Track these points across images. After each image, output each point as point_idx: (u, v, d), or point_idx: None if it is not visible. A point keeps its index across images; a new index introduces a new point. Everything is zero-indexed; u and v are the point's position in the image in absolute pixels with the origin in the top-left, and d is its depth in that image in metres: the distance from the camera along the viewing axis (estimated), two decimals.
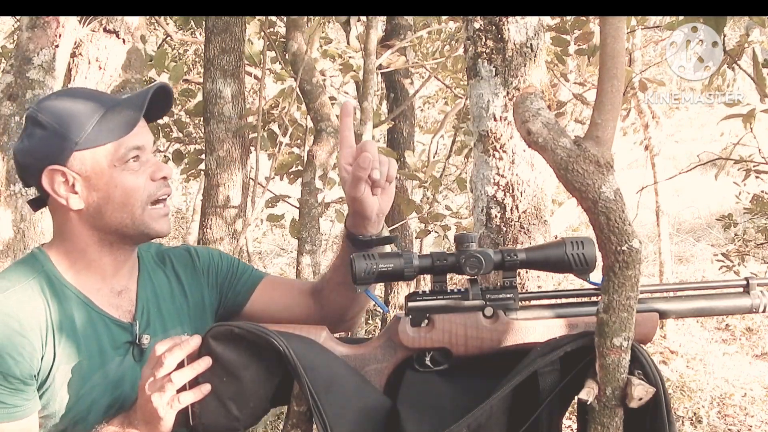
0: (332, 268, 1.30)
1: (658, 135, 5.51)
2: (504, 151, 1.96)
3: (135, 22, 2.96)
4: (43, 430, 1.15)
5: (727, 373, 5.12)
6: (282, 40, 4.05)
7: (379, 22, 4.38)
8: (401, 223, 4.73)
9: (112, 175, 1.15)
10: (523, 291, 1.75)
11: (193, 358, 1.07)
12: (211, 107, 3.57)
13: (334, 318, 1.30)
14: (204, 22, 3.71)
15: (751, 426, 4.38)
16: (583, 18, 3.30)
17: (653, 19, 3.99)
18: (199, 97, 4.18)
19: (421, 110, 7.68)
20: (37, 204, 1.22)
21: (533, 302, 1.13)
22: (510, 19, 1.91)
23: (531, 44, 1.94)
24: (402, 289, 5.27)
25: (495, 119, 1.95)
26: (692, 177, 5.77)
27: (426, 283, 5.06)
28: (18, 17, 3.62)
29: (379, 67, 4.08)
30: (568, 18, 3.40)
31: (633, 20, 3.83)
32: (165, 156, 4.89)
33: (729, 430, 4.36)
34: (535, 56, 1.95)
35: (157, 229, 1.20)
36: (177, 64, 4.13)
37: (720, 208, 8.07)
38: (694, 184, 9.12)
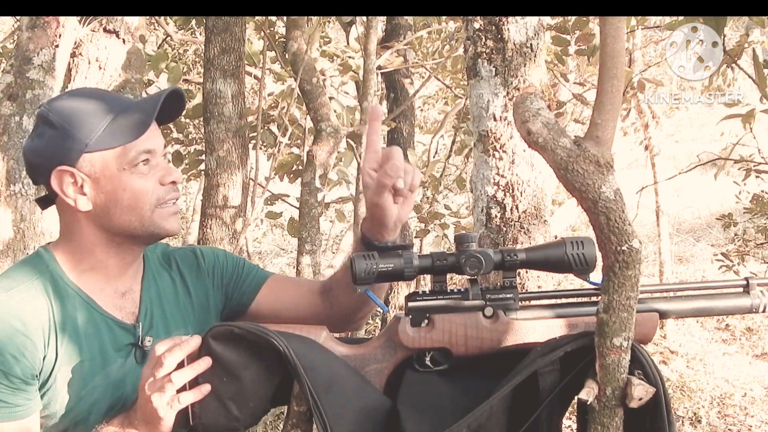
0: (343, 269, 1.30)
1: (658, 135, 5.51)
2: (504, 151, 1.96)
3: (135, 22, 2.96)
4: (43, 431, 1.15)
5: (727, 373, 5.12)
6: (282, 40, 4.05)
7: (379, 23, 4.37)
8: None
9: (121, 178, 1.15)
10: (523, 291, 1.75)
11: (193, 358, 1.07)
12: (211, 107, 3.57)
13: (341, 319, 1.30)
14: (204, 22, 3.71)
15: (751, 426, 4.38)
16: (583, 18, 3.30)
17: (653, 19, 3.99)
18: (199, 98, 4.18)
19: (421, 110, 7.68)
20: (44, 202, 1.22)
21: (533, 302, 1.13)
22: (510, 19, 1.91)
23: (531, 44, 1.94)
24: (402, 289, 5.27)
25: (495, 119, 1.95)
26: (692, 177, 5.78)
27: (426, 283, 5.06)
28: (18, 17, 3.62)
29: (379, 67, 4.08)
30: (568, 18, 3.40)
31: (633, 20, 3.83)
32: (165, 157, 4.88)
33: (729, 430, 4.36)
34: (535, 56, 1.95)
35: (167, 228, 1.20)
36: (176, 64, 4.13)
37: (720, 208, 8.06)
38: (694, 184, 9.12)
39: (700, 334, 5.86)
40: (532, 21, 1.94)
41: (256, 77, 4.60)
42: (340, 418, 1.03)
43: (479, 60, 1.96)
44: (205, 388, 1.07)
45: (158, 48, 5.23)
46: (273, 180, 3.83)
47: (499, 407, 1.02)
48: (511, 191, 1.96)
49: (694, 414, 4.50)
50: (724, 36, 2.17)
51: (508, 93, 1.94)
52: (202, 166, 3.90)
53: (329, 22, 5.08)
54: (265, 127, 3.89)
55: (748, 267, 4.81)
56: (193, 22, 4.69)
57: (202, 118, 3.73)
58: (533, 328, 1.08)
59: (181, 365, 1.06)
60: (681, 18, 2.23)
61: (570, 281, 5.76)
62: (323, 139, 3.49)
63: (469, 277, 1.09)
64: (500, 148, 1.96)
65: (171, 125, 4.52)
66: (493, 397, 1.00)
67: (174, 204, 1.21)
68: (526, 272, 1.97)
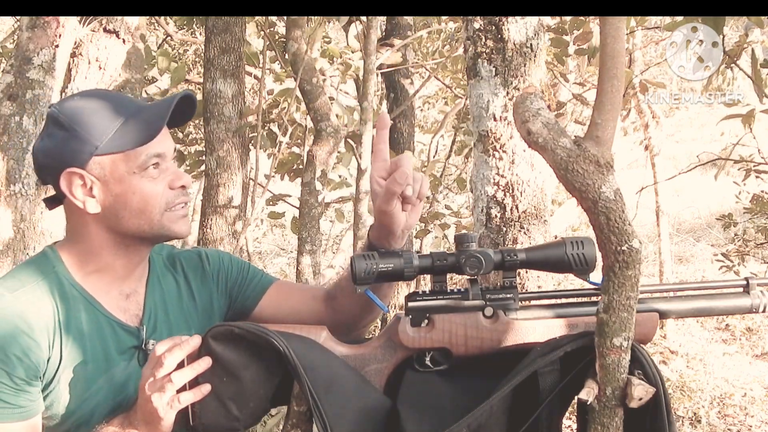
0: (346, 275, 1.29)
1: (658, 135, 5.51)
2: (504, 151, 1.96)
3: (135, 22, 2.96)
4: None
5: (727, 373, 5.12)
6: (282, 40, 4.05)
7: (379, 22, 4.38)
8: None
9: (131, 182, 1.14)
10: (523, 291, 1.75)
11: (193, 358, 1.07)
12: (211, 107, 3.57)
13: (345, 325, 1.29)
14: (204, 22, 3.71)
15: (751, 426, 4.38)
16: (583, 18, 3.30)
17: (653, 20, 3.99)
18: (199, 98, 4.17)
19: (421, 110, 7.68)
20: (52, 202, 1.22)
21: (533, 302, 1.13)
22: (510, 19, 1.92)
23: (531, 44, 1.94)
24: (402, 289, 5.27)
25: (495, 119, 1.96)
26: (692, 177, 5.78)
27: (426, 283, 5.06)
28: (18, 17, 3.62)
29: (379, 67, 4.08)
30: (568, 18, 3.40)
31: (632, 21, 3.83)
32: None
33: (729, 430, 4.36)
34: (535, 56, 1.95)
35: (177, 231, 1.20)
36: (178, 65, 4.13)
37: (720, 208, 8.06)
38: (694, 184, 9.11)
39: (700, 334, 5.86)
40: (532, 21, 1.94)
41: (256, 77, 4.61)
42: (340, 418, 1.03)
43: (479, 60, 1.96)
44: (205, 388, 1.07)
45: (158, 48, 5.23)
46: (273, 179, 3.83)
47: (499, 407, 1.02)
48: (511, 191, 1.96)
49: (694, 414, 4.50)
50: (724, 36, 2.17)
51: (508, 93, 1.94)
52: (202, 166, 3.90)
53: (329, 22, 5.08)
54: (266, 127, 3.89)
55: (748, 267, 4.81)
56: (195, 22, 4.69)
57: (202, 118, 3.73)
58: (533, 328, 1.08)
59: (181, 365, 1.06)
60: (681, 18, 2.23)
61: (570, 281, 5.76)
62: (323, 139, 3.49)
63: (469, 277, 1.09)
64: (500, 148, 1.96)
65: None
66: (493, 397, 1.00)
67: (183, 207, 1.21)
68: (526, 272, 1.98)
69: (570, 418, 2.82)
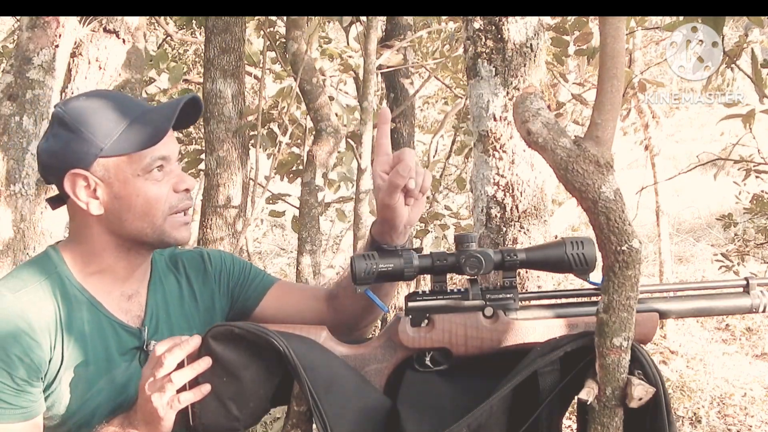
0: (347, 276, 1.29)
1: (658, 135, 5.51)
2: (504, 151, 1.96)
3: (135, 22, 2.96)
4: None
5: (727, 373, 5.12)
6: (282, 40, 4.05)
7: (379, 22, 4.38)
8: None
9: (135, 184, 1.14)
10: (523, 291, 1.75)
11: (193, 358, 1.07)
12: (211, 107, 3.57)
13: (346, 325, 1.29)
14: (204, 22, 3.71)
15: (751, 426, 4.38)
16: (583, 18, 3.30)
17: (653, 20, 3.99)
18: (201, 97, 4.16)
19: (421, 110, 7.68)
20: (55, 202, 1.22)
21: (533, 302, 1.13)
22: (510, 19, 1.91)
23: (531, 44, 1.94)
24: (402, 289, 5.27)
25: (495, 119, 1.95)
26: (692, 177, 5.78)
27: (426, 283, 5.06)
28: (18, 17, 3.62)
29: (379, 67, 4.08)
30: (568, 18, 3.40)
31: (632, 21, 3.83)
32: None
33: (729, 430, 4.36)
34: (535, 56, 1.95)
35: (177, 238, 1.20)
36: (176, 64, 4.13)
37: (720, 208, 8.06)
38: (694, 184, 9.11)
39: (700, 334, 5.86)
40: (532, 21, 1.94)
41: (256, 77, 4.61)
42: (340, 418, 1.03)
43: (479, 60, 1.96)
44: (205, 388, 1.07)
45: (158, 48, 5.23)
46: (273, 179, 3.83)
47: (499, 407, 1.02)
48: (511, 191, 1.96)
49: (694, 414, 4.50)
50: (724, 36, 2.17)
51: (508, 93, 1.94)
52: (202, 166, 3.90)
53: (329, 22, 5.08)
54: (267, 126, 3.89)
55: (748, 267, 4.81)
56: (195, 22, 4.68)
57: (202, 118, 3.73)
58: (533, 328, 1.08)
59: (181, 365, 1.06)
60: (681, 18, 2.23)
61: (570, 281, 5.76)
62: (323, 139, 3.49)
63: (469, 277, 1.09)
64: (500, 148, 1.96)
65: None
66: (493, 397, 1.01)
67: (186, 214, 1.21)
68: (526, 272, 1.98)
69: (570, 418, 2.82)
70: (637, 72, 4.41)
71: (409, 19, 5.19)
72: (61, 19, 2.51)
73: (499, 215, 1.97)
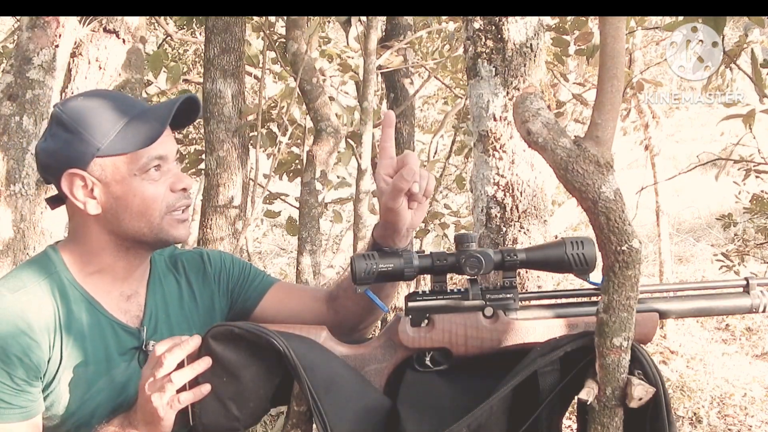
0: (347, 276, 1.29)
1: (658, 135, 5.51)
2: (504, 151, 1.96)
3: (135, 22, 2.96)
4: None
5: (727, 373, 5.12)
6: (282, 40, 4.05)
7: (379, 22, 4.37)
8: None
9: (132, 184, 1.14)
10: (523, 291, 1.75)
11: (193, 358, 1.07)
12: (211, 107, 3.57)
13: (346, 326, 1.29)
14: (204, 22, 3.71)
15: (751, 426, 4.38)
16: (583, 18, 3.30)
17: (653, 20, 3.99)
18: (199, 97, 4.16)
19: (421, 110, 7.68)
20: (54, 202, 1.22)
21: (533, 302, 1.13)
22: (510, 19, 1.91)
23: (531, 44, 1.94)
24: (402, 289, 5.27)
25: (495, 119, 1.96)
26: (692, 177, 5.77)
27: (426, 283, 5.06)
28: (18, 17, 3.62)
29: (379, 67, 4.08)
30: (568, 18, 3.40)
31: (632, 21, 3.83)
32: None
33: (729, 430, 4.36)
34: (535, 56, 1.95)
35: (175, 236, 1.20)
36: (175, 63, 4.13)
37: (720, 208, 8.06)
38: (694, 184, 9.11)
39: (700, 334, 5.86)
40: (532, 21, 1.94)
41: (256, 77, 4.60)
42: (340, 418, 1.03)
43: (479, 60, 1.96)
44: (205, 388, 1.07)
45: (158, 48, 5.23)
46: (273, 179, 3.83)
47: (499, 407, 1.02)
48: (511, 191, 1.96)
49: (694, 414, 4.50)
50: (724, 36, 2.17)
51: (508, 93, 1.94)
52: (202, 166, 3.89)
53: (329, 22, 5.08)
54: (266, 126, 3.89)
55: (748, 267, 4.81)
56: (195, 22, 4.68)
57: (202, 118, 3.73)
58: (533, 328, 1.08)
59: (181, 365, 1.06)
60: (681, 18, 2.23)
61: (570, 281, 5.76)
62: (323, 139, 3.49)
63: (469, 277, 1.09)
64: (500, 148, 1.96)
65: None
66: (493, 397, 1.01)
67: (184, 212, 1.21)
68: (526, 272, 1.98)
69: (570, 418, 2.82)
70: (637, 72, 4.41)
71: (409, 19, 5.19)
72: (61, 19, 2.51)
73: (499, 215, 1.97)
